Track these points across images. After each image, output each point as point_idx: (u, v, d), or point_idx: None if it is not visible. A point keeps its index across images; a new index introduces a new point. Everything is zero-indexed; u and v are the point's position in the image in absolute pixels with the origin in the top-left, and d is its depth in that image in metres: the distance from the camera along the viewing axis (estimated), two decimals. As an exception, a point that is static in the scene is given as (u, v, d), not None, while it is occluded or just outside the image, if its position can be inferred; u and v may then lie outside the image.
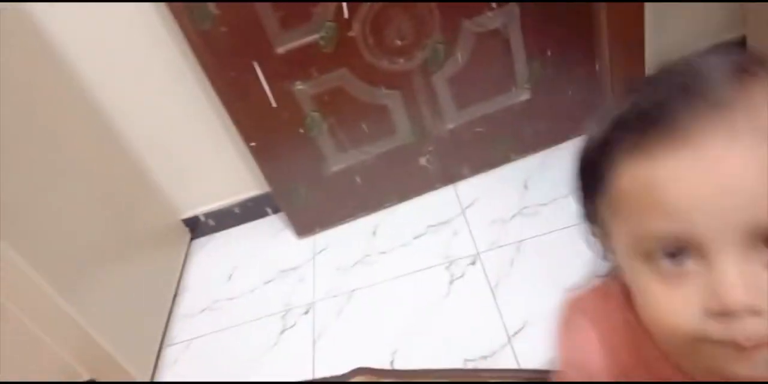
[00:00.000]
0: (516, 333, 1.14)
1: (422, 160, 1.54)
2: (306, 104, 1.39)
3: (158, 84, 1.42)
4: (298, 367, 1.22)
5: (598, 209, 0.37)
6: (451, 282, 1.31)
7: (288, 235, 1.60)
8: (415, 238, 1.46)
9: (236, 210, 1.68)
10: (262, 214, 1.69)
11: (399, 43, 1.33)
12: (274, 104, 1.36)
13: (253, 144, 1.42)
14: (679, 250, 0.32)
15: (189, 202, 1.67)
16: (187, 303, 1.51)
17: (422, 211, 1.53)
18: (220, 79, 1.31)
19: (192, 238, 1.70)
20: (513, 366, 1.07)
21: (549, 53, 1.42)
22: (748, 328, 0.31)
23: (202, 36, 1.23)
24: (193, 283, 1.57)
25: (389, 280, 1.36)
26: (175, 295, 1.52)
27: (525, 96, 1.48)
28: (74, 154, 1.31)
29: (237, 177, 1.62)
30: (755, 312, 0.30)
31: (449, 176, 1.58)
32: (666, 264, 0.33)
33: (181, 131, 1.52)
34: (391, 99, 1.43)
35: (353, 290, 1.37)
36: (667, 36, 1.43)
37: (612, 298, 0.42)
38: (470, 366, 1.10)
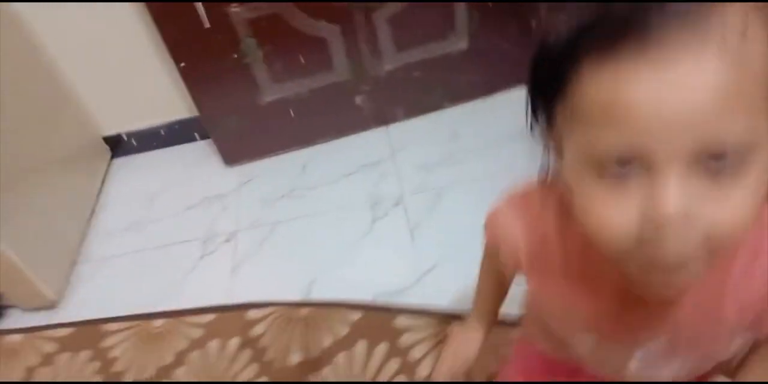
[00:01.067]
0: (426, 272, 1.21)
1: (358, 99, 1.54)
2: (241, 28, 1.33)
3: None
4: (214, 293, 1.25)
5: (554, 111, 0.37)
6: (373, 221, 1.36)
7: (215, 163, 1.58)
8: (344, 176, 1.49)
9: (162, 132, 1.63)
10: (190, 139, 1.66)
11: (346, -26, 1.29)
12: (207, 25, 1.30)
13: (183, 64, 1.36)
14: (629, 160, 0.32)
15: (112, 119, 1.60)
16: (106, 222, 1.49)
17: (353, 150, 1.55)
18: (152, -8, 1.23)
19: (112, 157, 1.64)
20: (419, 303, 1.14)
21: (490, 5, 1.42)
22: (679, 239, 0.32)
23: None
24: (113, 203, 1.54)
25: (313, 215, 1.40)
26: (92, 213, 1.49)
27: (463, 45, 1.49)
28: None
29: (166, 98, 1.56)
30: (689, 222, 0.31)
31: (383, 117, 1.59)
32: (615, 173, 0.33)
33: (109, 46, 1.43)
34: (331, 33, 1.40)
35: (276, 222, 1.40)
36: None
37: (547, 200, 0.45)
38: (379, 301, 1.17)
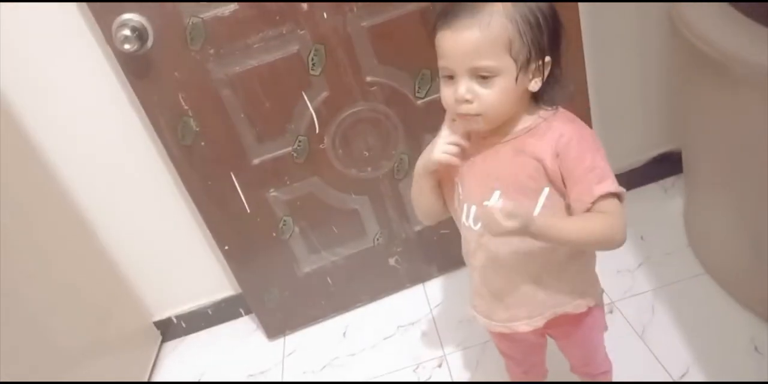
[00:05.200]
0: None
1: (391, 261, 1.60)
2: (279, 209, 1.47)
3: (139, 190, 1.50)
4: None
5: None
6: (418, 385, 1.32)
7: (259, 337, 1.61)
8: (385, 339, 1.48)
9: (209, 311, 1.70)
10: (235, 315, 1.71)
11: (366, 154, 1.44)
12: (248, 210, 1.44)
13: (226, 247, 1.48)
14: (450, 74, 0.74)
15: (162, 303, 1.68)
16: (152, 410, 1.48)
17: (392, 311, 1.57)
18: (198, 188, 1.39)
19: (163, 341, 1.69)
20: None
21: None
22: (464, 108, 0.74)
23: (184, 150, 1.33)
24: (161, 389, 1.54)
25: (357, 384, 1.36)
26: (140, 402, 1.49)
27: (485, 201, 1.58)
28: (50, 254, 1.35)
29: (212, 278, 1.66)
30: (468, 101, 0.73)
31: (418, 276, 1.63)
32: (446, 78, 0.75)
33: (160, 235, 1.57)
34: (360, 204, 1.52)
35: (320, 395, 1.36)
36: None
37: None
38: None
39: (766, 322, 1.19)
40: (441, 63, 0.74)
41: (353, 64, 1.31)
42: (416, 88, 1.38)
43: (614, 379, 1.05)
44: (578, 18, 1.35)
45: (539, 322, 0.86)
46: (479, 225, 0.80)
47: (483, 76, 0.71)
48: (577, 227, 0.74)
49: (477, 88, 0.71)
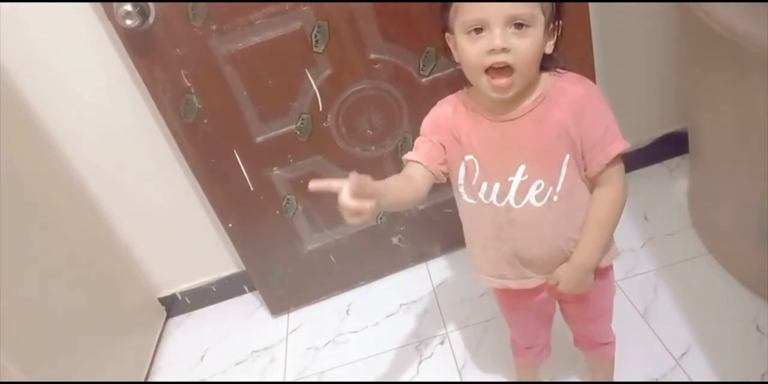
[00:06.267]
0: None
1: (394, 240, 1.61)
2: (282, 188, 1.47)
3: (143, 168, 1.50)
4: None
5: (449, 20, 0.76)
6: (420, 362, 1.33)
7: (263, 314, 1.62)
8: (388, 316, 1.50)
9: (213, 288, 1.71)
10: (239, 292, 1.72)
11: (370, 132, 1.43)
12: (251, 188, 1.44)
13: (230, 225, 1.48)
14: (479, 26, 0.72)
15: (167, 280, 1.70)
16: (158, 384, 1.50)
17: (395, 290, 1.58)
18: (201, 165, 1.39)
19: (168, 317, 1.71)
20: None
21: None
22: (500, 57, 0.72)
23: (186, 128, 1.33)
24: (166, 364, 1.56)
25: (359, 360, 1.38)
26: (146, 377, 1.52)
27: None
28: (56, 231, 1.36)
29: (216, 256, 1.67)
30: (504, 50, 0.71)
31: (421, 255, 1.64)
32: (473, 33, 0.73)
33: (164, 213, 1.58)
34: (364, 183, 1.51)
35: (323, 371, 1.38)
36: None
37: (455, 95, 0.86)
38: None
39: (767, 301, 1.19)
40: (470, 15, 0.71)
41: (357, 41, 1.30)
42: (421, 66, 1.36)
43: (616, 356, 1.06)
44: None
45: None
46: (504, 202, 0.82)
47: (519, 25, 0.71)
48: (603, 229, 0.83)
49: (512, 38, 0.71)
